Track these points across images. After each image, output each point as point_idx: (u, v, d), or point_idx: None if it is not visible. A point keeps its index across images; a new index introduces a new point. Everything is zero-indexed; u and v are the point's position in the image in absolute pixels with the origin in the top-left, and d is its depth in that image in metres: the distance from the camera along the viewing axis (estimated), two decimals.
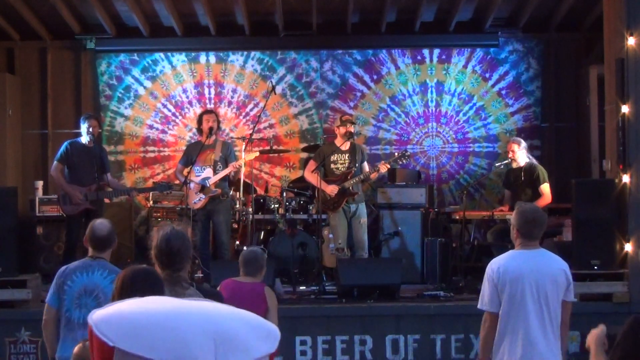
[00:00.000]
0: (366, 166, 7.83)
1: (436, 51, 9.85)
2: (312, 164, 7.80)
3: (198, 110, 9.41)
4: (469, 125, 9.83)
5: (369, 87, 9.85)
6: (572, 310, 4.21)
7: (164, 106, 9.82)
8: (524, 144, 8.01)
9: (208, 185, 7.62)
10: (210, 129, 7.68)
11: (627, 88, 6.82)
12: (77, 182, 7.45)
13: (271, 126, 9.82)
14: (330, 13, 9.37)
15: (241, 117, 9.84)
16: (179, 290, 3.32)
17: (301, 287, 7.66)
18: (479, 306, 4.17)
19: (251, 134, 8.18)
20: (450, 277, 7.83)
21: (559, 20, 9.43)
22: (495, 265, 4.13)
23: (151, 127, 9.82)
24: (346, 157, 7.76)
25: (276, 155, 9.38)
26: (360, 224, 7.67)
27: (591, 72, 8.87)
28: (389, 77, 9.85)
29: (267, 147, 8.64)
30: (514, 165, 7.97)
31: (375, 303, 6.90)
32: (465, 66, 9.83)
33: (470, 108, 9.83)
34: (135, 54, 9.81)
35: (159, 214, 8.75)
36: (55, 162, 7.60)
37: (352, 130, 7.79)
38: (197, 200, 7.63)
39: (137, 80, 9.81)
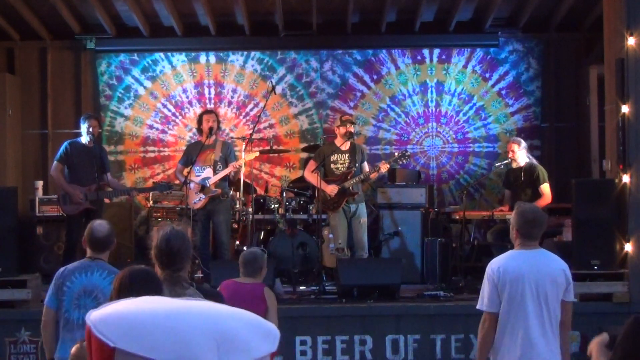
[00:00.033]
0: (366, 166, 7.83)
1: (436, 51, 9.85)
2: (312, 164, 7.80)
3: (198, 110, 9.41)
4: (469, 125, 9.83)
5: (369, 87, 9.85)
6: (572, 311, 4.20)
7: (164, 106, 9.83)
8: (524, 144, 8.01)
9: (208, 185, 7.62)
10: (210, 129, 7.68)
11: (627, 88, 6.82)
12: (77, 182, 7.45)
13: (271, 126, 9.82)
14: (330, 13, 9.37)
15: (241, 117, 9.84)
16: (179, 290, 3.32)
17: (301, 287, 7.66)
18: (478, 306, 4.16)
19: (251, 134, 8.18)
20: (450, 277, 7.83)
21: (559, 20, 9.43)
22: (495, 265, 4.13)
23: (151, 127, 9.82)
24: (346, 157, 7.76)
25: (276, 155, 9.38)
26: (360, 224, 7.67)
27: (591, 72, 8.87)
28: (389, 77, 9.85)
29: (267, 147, 8.64)
30: (514, 165, 7.97)
31: (375, 303, 6.90)
32: (465, 66, 9.83)
33: (470, 108, 9.83)
34: (135, 54, 9.81)
35: (159, 214, 8.75)
36: (55, 162, 7.60)
37: (352, 130, 7.79)
38: (197, 200, 7.63)
39: (137, 80, 9.81)
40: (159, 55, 9.80)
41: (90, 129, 7.53)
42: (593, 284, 6.76)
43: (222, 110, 9.75)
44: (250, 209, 8.07)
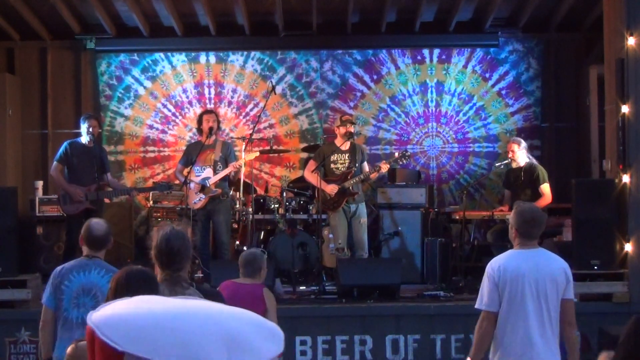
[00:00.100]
0: (366, 166, 7.83)
1: (436, 51, 9.85)
2: (312, 164, 7.80)
3: (198, 110, 9.41)
4: (469, 125, 9.83)
5: (369, 87, 9.85)
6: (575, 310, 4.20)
7: (164, 106, 9.83)
8: (524, 144, 8.01)
9: (208, 185, 7.61)
10: (210, 129, 7.68)
11: (627, 88, 6.82)
12: (77, 182, 7.45)
13: (271, 126, 9.82)
14: (330, 13, 9.37)
15: (241, 117, 9.84)
16: (179, 290, 3.32)
17: (301, 287, 7.66)
18: (477, 306, 4.15)
19: (251, 134, 8.18)
20: (450, 277, 7.82)
21: (559, 20, 9.43)
22: (495, 264, 4.12)
23: (151, 127, 9.82)
24: (346, 157, 7.75)
25: (276, 155, 9.38)
26: (360, 223, 7.67)
27: (591, 72, 8.87)
28: (389, 77, 9.85)
29: (267, 147, 8.64)
30: (514, 165, 7.97)
31: (375, 303, 6.90)
32: (465, 66, 9.83)
33: (470, 108, 9.83)
34: (135, 54, 9.81)
35: (159, 214, 8.75)
36: (54, 162, 7.59)
37: (352, 130, 7.79)
38: (197, 200, 7.63)
39: (137, 80, 9.81)
40: (159, 55, 9.80)
41: (90, 129, 7.52)
42: (593, 284, 6.76)
43: (222, 110, 9.75)
44: (250, 209, 8.06)
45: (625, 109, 6.82)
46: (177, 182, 8.04)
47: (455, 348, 6.68)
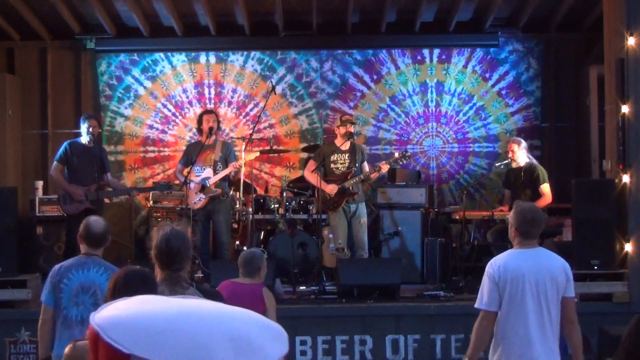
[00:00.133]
0: (366, 166, 7.82)
1: (436, 51, 9.85)
2: (312, 164, 7.79)
3: (198, 110, 9.41)
4: (469, 125, 9.83)
5: (369, 87, 9.85)
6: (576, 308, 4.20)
7: (164, 106, 9.83)
8: (524, 144, 8.00)
9: (208, 185, 7.61)
10: (210, 129, 7.68)
11: (627, 88, 6.82)
12: (77, 182, 7.45)
13: (271, 126, 9.82)
14: (330, 13, 9.37)
15: (241, 117, 9.84)
16: (179, 290, 3.32)
17: (301, 287, 7.66)
18: (476, 305, 4.15)
19: (251, 134, 8.17)
20: (450, 277, 7.82)
21: (559, 20, 9.43)
22: (495, 263, 4.12)
23: (151, 127, 9.82)
24: (346, 157, 7.75)
25: (276, 155, 9.38)
26: (360, 223, 7.67)
27: (591, 72, 8.87)
28: (389, 77, 9.85)
29: (267, 147, 8.64)
30: (514, 165, 7.97)
31: (375, 303, 6.90)
32: (465, 66, 9.83)
33: (470, 108, 9.83)
34: (135, 54, 9.81)
35: (159, 214, 8.75)
36: (54, 162, 7.59)
37: (352, 130, 7.79)
38: (197, 200, 7.63)
39: (137, 80, 9.81)
40: (159, 55, 9.80)
41: (90, 129, 7.52)
42: (593, 284, 6.76)
43: (222, 110, 9.75)
44: (250, 209, 8.06)
45: (625, 109, 6.82)
46: (177, 182, 8.04)
47: (455, 348, 6.68)
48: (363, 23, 9.63)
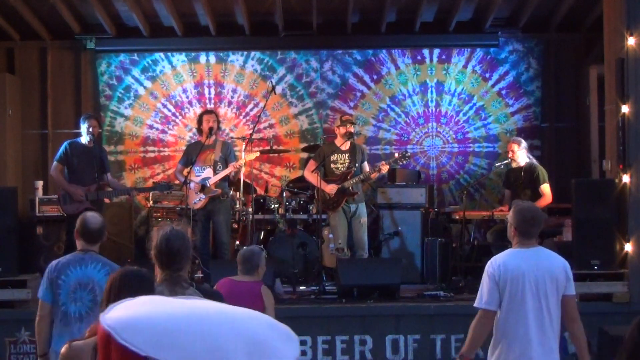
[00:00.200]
0: (366, 166, 7.82)
1: (436, 51, 9.85)
2: (312, 164, 7.79)
3: (198, 110, 9.41)
4: (469, 125, 9.83)
5: (369, 87, 9.85)
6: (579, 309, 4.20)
7: (164, 106, 9.82)
8: (524, 144, 8.00)
9: (208, 185, 7.61)
10: (210, 129, 7.68)
11: (627, 88, 6.82)
12: (77, 182, 7.45)
13: (271, 126, 9.82)
14: (330, 13, 9.37)
15: (241, 117, 9.84)
16: (179, 290, 3.32)
17: (301, 287, 7.66)
18: (476, 304, 4.15)
19: (251, 134, 8.17)
20: (450, 277, 7.82)
21: (559, 20, 9.43)
22: (495, 262, 4.13)
23: (151, 127, 9.82)
24: (346, 157, 7.75)
25: (276, 155, 9.38)
26: (360, 223, 7.67)
27: (591, 72, 8.87)
28: (389, 77, 9.85)
29: (267, 147, 8.64)
30: (514, 165, 7.97)
31: (375, 303, 6.90)
32: (465, 66, 9.83)
33: (470, 108, 9.83)
34: (135, 54, 9.81)
35: (159, 214, 8.75)
36: (54, 162, 7.59)
37: (352, 130, 7.79)
38: (197, 200, 7.63)
39: (137, 80, 9.81)
40: (159, 55, 9.80)
41: (90, 129, 7.52)
42: (593, 284, 6.76)
43: (222, 110, 9.75)
44: (250, 209, 8.06)
45: (625, 109, 6.82)
46: (177, 182, 8.04)
47: (455, 348, 6.67)
48: (363, 23, 9.63)
